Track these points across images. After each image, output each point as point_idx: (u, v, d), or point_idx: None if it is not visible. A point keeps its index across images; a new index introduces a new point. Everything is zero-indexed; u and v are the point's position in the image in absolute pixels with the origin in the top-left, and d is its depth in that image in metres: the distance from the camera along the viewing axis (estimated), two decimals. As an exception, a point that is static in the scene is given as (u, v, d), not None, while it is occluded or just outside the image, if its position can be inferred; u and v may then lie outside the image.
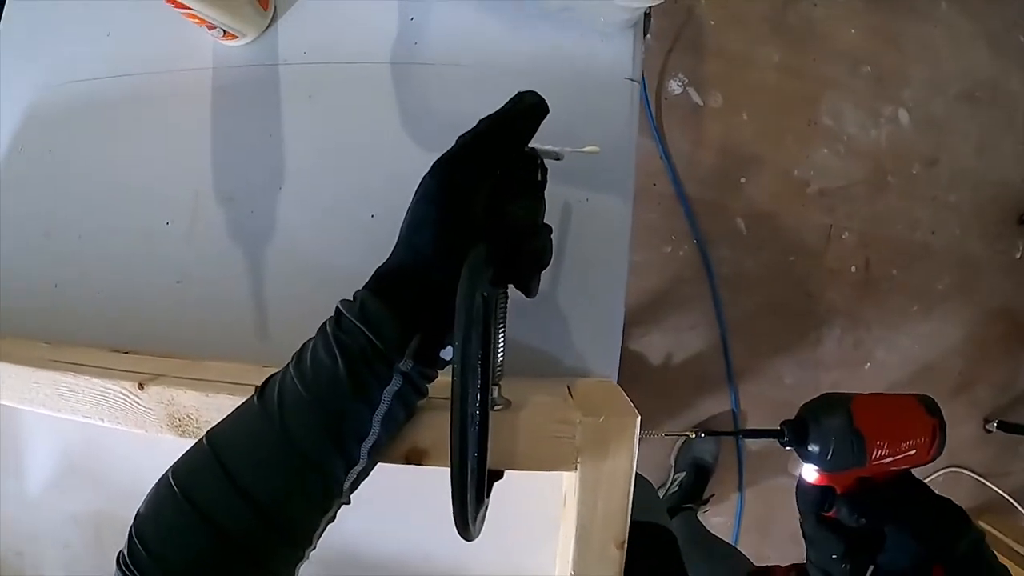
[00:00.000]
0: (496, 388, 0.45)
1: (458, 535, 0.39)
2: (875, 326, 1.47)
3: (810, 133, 1.43)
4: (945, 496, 0.55)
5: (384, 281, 0.38)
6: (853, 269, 1.45)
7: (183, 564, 0.34)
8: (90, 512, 0.68)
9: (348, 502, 0.40)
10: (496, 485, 0.44)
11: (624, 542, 0.46)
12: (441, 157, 0.38)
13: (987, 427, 1.50)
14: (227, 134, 0.64)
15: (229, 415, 0.39)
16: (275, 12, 0.62)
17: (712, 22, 1.40)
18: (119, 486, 0.66)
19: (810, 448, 0.55)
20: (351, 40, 0.61)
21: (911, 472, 0.57)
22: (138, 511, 0.37)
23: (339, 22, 0.62)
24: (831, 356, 1.47)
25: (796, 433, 0.56)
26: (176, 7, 0.53)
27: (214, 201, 0.64)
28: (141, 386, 0.52)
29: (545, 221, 0.43)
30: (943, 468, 1.51)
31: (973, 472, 1.50)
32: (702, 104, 1.42)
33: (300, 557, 0.38)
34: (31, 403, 0.56)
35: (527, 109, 0.40)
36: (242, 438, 0.38)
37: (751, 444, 1.47)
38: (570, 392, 0.52)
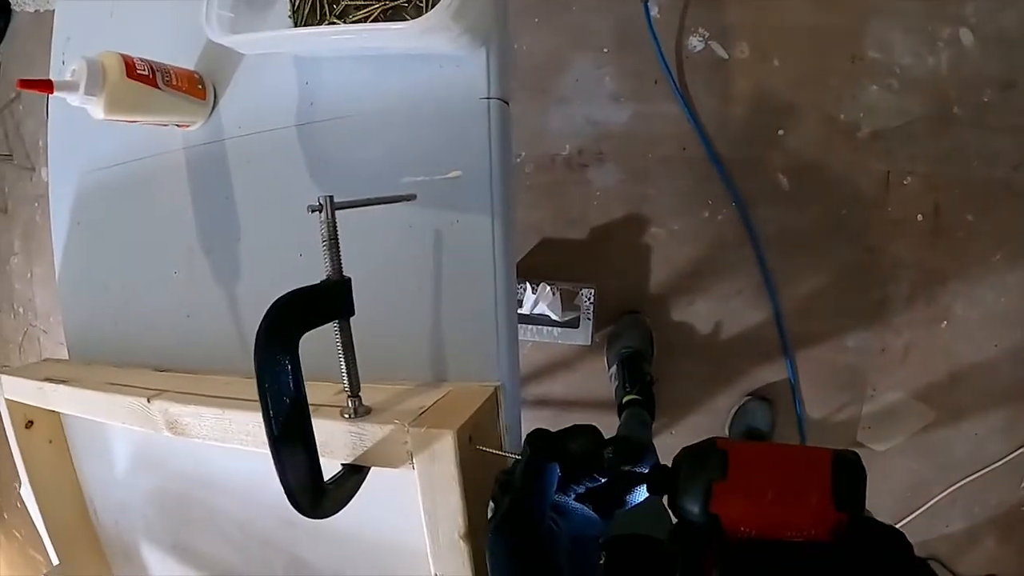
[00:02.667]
0: (356, 399, 0.66)
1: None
2: (951, 279, 1.44)
3: (855, 70, 1.41)
4: (885, 531, 0.50)
5: None
6: (920, 217, 1.43)
7: None
8: (155, 489, 1.01)
9: None
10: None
11: (465, 532, 0.61)
12: None
13: (1095, 387, 1.42)
14: (200, 200, 0.90)
15: None
16: (215, 96, 0.86)
17: (729, -35, 1.43)
18: (173, 469, 0.97)
19: (671, 509, 0.52)
20: (268, 110, 0.83)
21: None
22: None
23: (257, 96, 0.84)
24: (900, 316, 1.47)
25: (661, 485, 0.53)
26: (128, 123, 0.78)
27: (200, 254, 0.91)
28: (149, 400, 0.80)
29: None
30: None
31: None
32: (727, 57, 1.46)
33: None
34: (96, 415, 0.87)
35: None
36: None
37: (812, 412, 1.54)
38: (440, 399, 0.70)
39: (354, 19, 0.72)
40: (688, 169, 1.50)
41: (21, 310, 2.65)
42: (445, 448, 0.60)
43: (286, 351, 0.56)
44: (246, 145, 0.85)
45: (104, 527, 1.10)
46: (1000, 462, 1.50)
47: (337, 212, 0.62)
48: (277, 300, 0.57)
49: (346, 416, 0.65)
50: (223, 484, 0.93)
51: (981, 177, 1.41)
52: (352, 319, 0.64)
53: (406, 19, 0.62)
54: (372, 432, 0.64)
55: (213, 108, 0.86)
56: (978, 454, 1.51)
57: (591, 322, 1.55)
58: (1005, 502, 1.52)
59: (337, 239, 0.62)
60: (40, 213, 2.48)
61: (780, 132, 1.46)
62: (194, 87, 0.83)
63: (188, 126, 0.86)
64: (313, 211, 0.61)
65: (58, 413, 1.04)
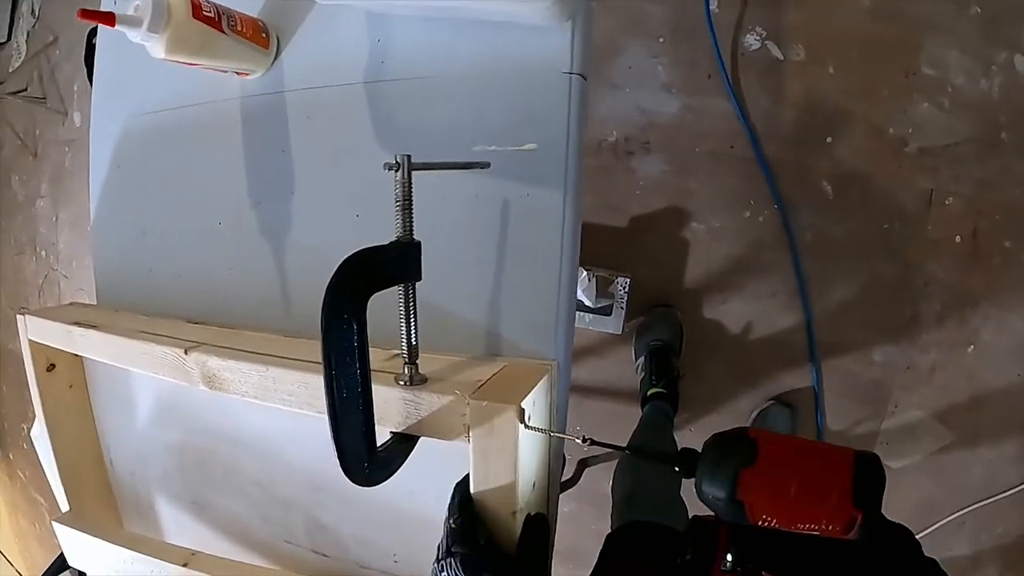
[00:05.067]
0: (413, 367, 0.63)
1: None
2: (982, 303, 1.40)
3: (908, 85, 1.36)
4: (895, 529, 0.53)
5: None
6: (958, 239, 1.39)
7: None
8: (177, 442, 0.97)
9: None
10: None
11: (516, 511, 0.59)
12: None
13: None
14: (253, 151, 0.86)
15: None
16: (279, 47, 0.82)
17: (792, -35, 1.38)
18: (197, 423, 0.93)
19: (696, 492, 0.54)
20: (335, 65, 0.79)
21: None
22: None
23: (325, 50, 0.80)
24: (929, 335, 1.43)
25: (689, 468, 0.54)
26: (187, 65, 0.73)
27: (248, 206, 0.87)
28: (186, 352, 0.76)
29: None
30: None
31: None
32: (782, 58, 1.42)
33: None
34: (126, 363, 0.83)
35: None
36: None
37: (832, 422, 1.50)
38: (496, 373, 0.66)
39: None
40: (734, 167, 1.47)
41: (43, 253, 2.61)
42: (506, 423, 0.57)
43: (354, 311, 0.53)
44: (308, 99, 0.81)
45: (118, 477, 1.07)
46: (1012, 491, 1.46)
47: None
48: (348, 258, 0.54)
49: (401, 383, 0.62)
50: (249, 442, 0.90)
51: (1022, 205, 1.37)
52: (411, 285, 0.60)
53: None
54: (429, 401, 0.61)
55: (275, 58, 0.82)
56: (991, 481, 1.47)
57: (623, 311, 1.52)
58: (1012, 532, 1.49)
59: (411, 200, 0.59)
60: (70, 158, 2.43)
61: (828, 139, 1.42)
62: (258, 35, 0.78)
63: (248, 74, 0.82)
64: (389, 169, 0.58)
65: (81, 358, 1.01)
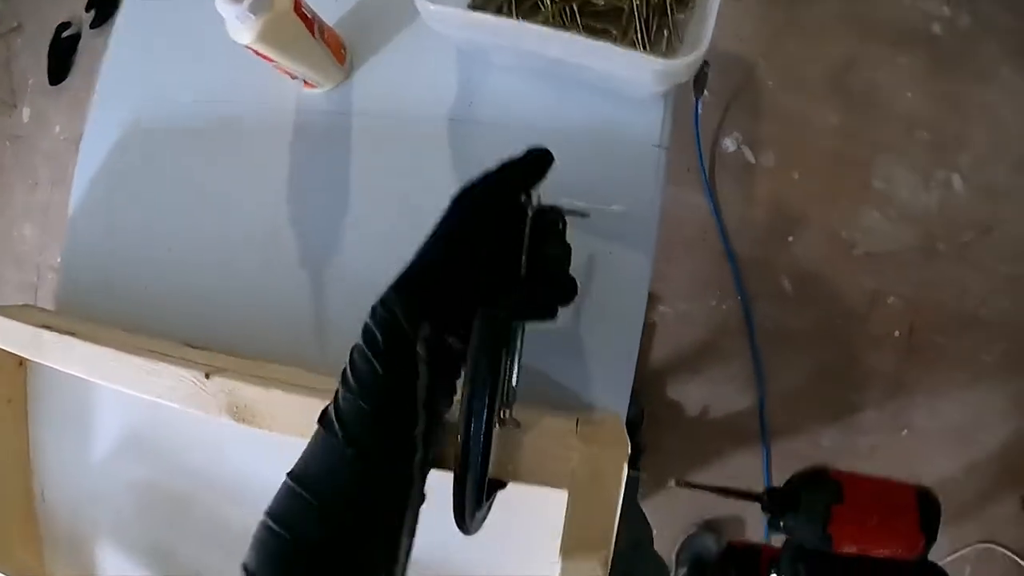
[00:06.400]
0: (508, 410, 0.54)
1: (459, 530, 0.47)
2: (917, 392, 1.47)
3: (861, 195, 1.47)
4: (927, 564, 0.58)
5: (400, 280, 0.46)
6: (897, 334, 1.47)
7: None
8: (144, 483, 0.78)
9: (424, 498, 0.46)
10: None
11: (607, 562, 0.52)
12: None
13: (1025, 504, 1.46)
14: (302, 169, 0.75)
15: (304, 452, 0.45)
16: (351, 67, 0.74)
17: (770, 83, 1.49)
18: (176, 463, 0.76)
19: (782, 525, 0.59)
20: (415, 96, 0.71)
21: None
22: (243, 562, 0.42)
23: (405, 79, 0.72)
24: (869, 420, 1.48)
25: (777, 505, 0.59)
26: (262, 59, 0.64)
27: (287, 225, 0.75)
28: (207, 376, 0.62)
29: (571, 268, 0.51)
30: (976, 543, 1.47)
31: (1008, 550, 1.46)
32: (755, 162, 1.49)
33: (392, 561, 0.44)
34: (113, 381, 0.66)
35: (535, 159, 0.49)
36: (316, 463, 0.44)
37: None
38: (578, 423, 0.59)
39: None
40: (704, 257, 1.50)
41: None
42: (614, 468, 0.52)
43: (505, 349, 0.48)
44: (379, 125, 0.73)
45: (52, 514, 0.83)
46: (946, 559, 1.48)
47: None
48: (502, 299, 0.46)
49: (499, 427, 0.53)
50: (237, 491, 0.74)
51: (953, 306, 1.47)
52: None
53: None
54: (528, 447, 0.53)
55: (345, 77, 0.74)
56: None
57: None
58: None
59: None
60: (10, 155, 2.15)
61: (790, 239, 1.48)
62: (338, 49, 0.71)
63: (315, 86, 0.73)
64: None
65: (25, 369, 0.82)
